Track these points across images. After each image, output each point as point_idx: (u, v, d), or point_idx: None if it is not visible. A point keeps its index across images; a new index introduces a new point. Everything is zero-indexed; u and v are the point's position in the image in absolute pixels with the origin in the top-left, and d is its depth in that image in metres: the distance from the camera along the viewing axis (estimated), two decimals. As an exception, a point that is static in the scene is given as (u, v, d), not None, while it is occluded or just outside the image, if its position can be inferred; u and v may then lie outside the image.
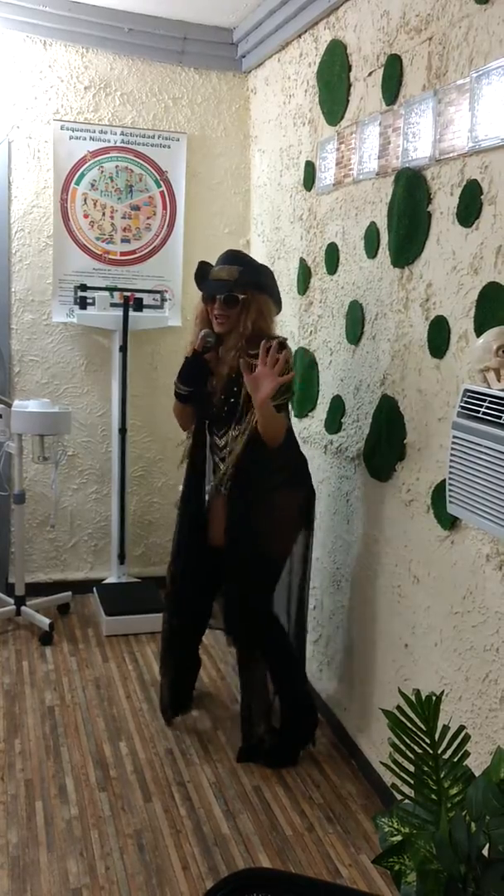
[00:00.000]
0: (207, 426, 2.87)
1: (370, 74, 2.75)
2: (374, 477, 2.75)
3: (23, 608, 3.80)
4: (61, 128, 3.92)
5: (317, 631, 3.29)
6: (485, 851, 1.31)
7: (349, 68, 2.91)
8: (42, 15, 3.75)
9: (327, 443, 3.16)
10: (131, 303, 3.94)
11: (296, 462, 2.86)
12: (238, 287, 2.70)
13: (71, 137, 3.94)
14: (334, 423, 3.07)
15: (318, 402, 3.25)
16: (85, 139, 3.97)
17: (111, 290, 4.01)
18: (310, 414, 3.34)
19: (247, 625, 2.86)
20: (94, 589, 4.11)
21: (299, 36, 3.42)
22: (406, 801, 1.48)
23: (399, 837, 1.43)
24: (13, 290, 4.00)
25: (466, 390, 2.03)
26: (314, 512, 2.90)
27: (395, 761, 1.46)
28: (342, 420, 3.02)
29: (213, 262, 2.83)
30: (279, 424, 2.68)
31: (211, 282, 2.76)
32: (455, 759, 1.45)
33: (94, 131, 3.97)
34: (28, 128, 3.91)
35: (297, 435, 3.42)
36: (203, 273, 2.82)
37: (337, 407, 3.05)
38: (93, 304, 3.95)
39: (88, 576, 4.27)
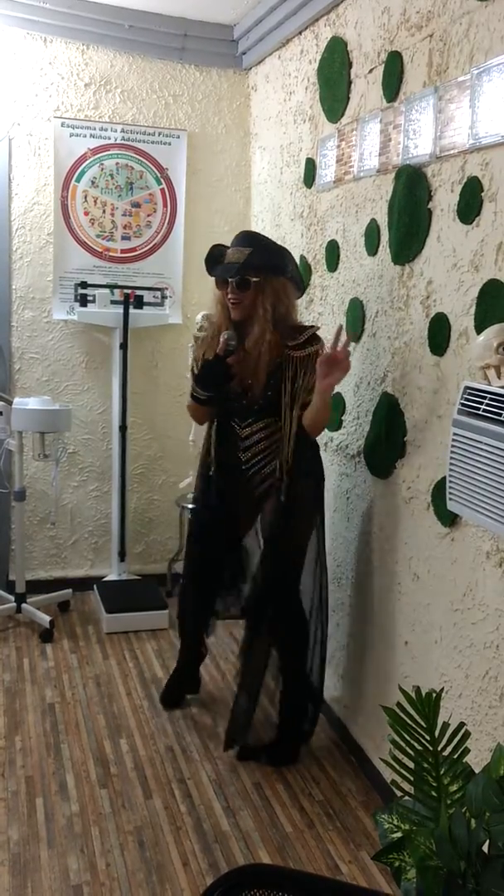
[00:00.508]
0: (231, 418, 2.81)
1: (371, 71, 2.74)
2: (375, 474, 2.75)
3: (23, 605, 3.81)
4: (62, 125, 3.92)
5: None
6: (485, 848, 1.32)
7: (350, 65, 2.90)
8: (42, 12, 3.75)
9: (328, 440, 3.16)
10: (132, 300, 3.94)
11: (313, 449, 2.82)
12: (249, 269, 2.60)
13: (71, 135, 3.94)
14: (335, 420, 3.07)
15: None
16: (85, 136, 3.96)
17: (111, 287, 4.01)
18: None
19: (272, 612, 2.81)
20: (95, 586, 4.11)
21: (300, 33, 3.41)
22: (406, 797, 1.48)
23: (399, 834, 1.43)
24: (14, 287, 4.00)
25: (467, 387, 2.03)
26: (324, 497, 2.91)
27: (395, 758, 1.46)
28: (343, 418, 3.02)
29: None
30: (330, 412, 2.68)
31: (221, 265, 2.69)
32: (455, 756, 1.45)
33: (95, 128, 3.97)
34: (28, 125, 3.91)
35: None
36: (214, 257, 2.74)
37: (337, 405, 3.05)
38: (93, 301, 3.95)
39: (89, 573, 4.27)
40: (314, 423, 2.66)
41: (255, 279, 2.62)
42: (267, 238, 2.84)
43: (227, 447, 2.84)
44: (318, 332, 2.72)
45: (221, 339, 2.70)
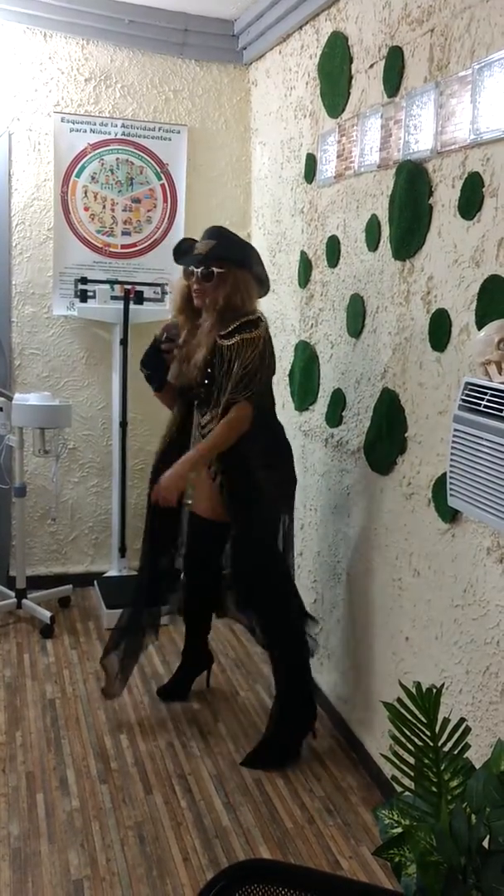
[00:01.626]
0: (195, 406, 2.89)
1: (371, 66, 2.74)
2: (375, 470, 2.75)
3: (24, 601, 3.81)
4: (62, 120, 3.91)
5: (317, 624, 3.29)
6: (485, 844, 1.32)
7: (350, 60, 2.90)
8: (42, 6, 3.74)
9: (328, 436, 3.16)
10: (132, 296, 3.93)
11: (275, 447, 2.88)
12: (213, 260, 2.68)
13: (71, 130, 3.93)
14: (335, 416, 3.07)
15: (319, 395, 3.25)
16: (85, 131, 3.96)
17: (112, 283, 4.00)
18: (311, 407, 3.33)
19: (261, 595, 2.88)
20: (95, 582, 4.11)
21: (300, 28, 3.40)
22: (406, 793, 1.48)
23: (399, 829, 1.43)
24: (14, 283, 4.00)
25: (468, 383, 2.02)
26: (294, 499, 2.95)
27: (395, 753, 1.46)
28: (343, 413, 3.02)
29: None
30: (228, 436, 2.69)
31: (189, 256, 2.76)
32: (455, 752, 1.45)
33: (95, 123, 3.96)
34: (28, 120, 3.90)
35: (297, 428, 3.44)
36: (183, 249, 2.82)
37: (338, 400, 3.05)
38: (93, 297, 3.95)
39: (89, 569, 4.27)
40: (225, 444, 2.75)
41: (219, 270, 2.68)
42: (233, 233, 2.89)
43: (187, 435, 2.93)
44: (263, 321, 2.72)
45: (163, 326, 2.84)
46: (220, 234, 2.79)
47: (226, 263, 2.68)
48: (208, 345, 2.70)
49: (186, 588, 3.15)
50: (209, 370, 2.71)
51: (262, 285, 2.84)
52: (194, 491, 2.85)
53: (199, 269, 2.69)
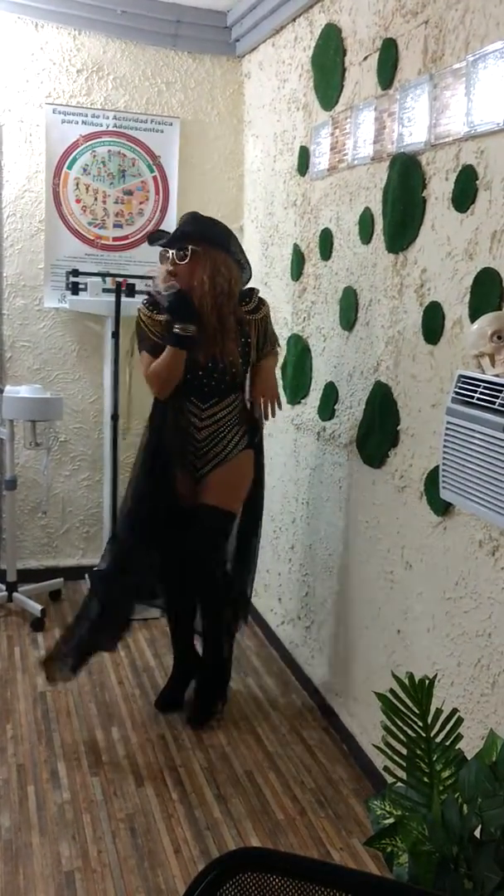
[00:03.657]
0: (191, 398, 2.83)
1: (365, 59, 2.73)
2: (367, 463, 2.75)
3: (14, 594, 3.80)
4: (53, 111, 3.89)
5: (309, 617, 3.30)
6: (477, 833, 1.32)
7: (344, 52, 2.89)
8: (34, -4, 3.72)
9: (320, 429, 3.16)
10: (123, 288, 3.92)
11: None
12: (185, 239, 2.70)
13: (63, 121, 3.91)
14: (327, 409, 3.07)
15: (312, 388, 3.25)
16: (77, 123, 3.93)
17: (103, 275, 3.98)
18: (303, 401, 3.33)
19: (208, 579, 2.97)
20: (86, 575, 4.10)
21: (294, 19, 3.39)
22: (398, 783, 1.48)
23: (391, 820, 1.44)
24: (4, 275, 3.98)
25: (461, 376, 2.02)
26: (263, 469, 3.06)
27: (387, 744, 1.47)
28: (335, 407, 3.02)
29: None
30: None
31: (161, 240, 2.79)
32: (448, 743, 1.46)
33: (87, 115, 3.94)
34: (20, 111, 3.87)
35: (290, 422, 3.44)
36: (155, 237, 2.85)
37: (330, 393, 3.05)
38: (85, 289, 3.93)
39: (80, 562, 4.27)
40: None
41: (194, 248, 2.69)
42: (211, 218, 2.88)
43: (180, 430, 2.85)
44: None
45: (161, 296, 2.75)
46: (193, 218, 2.82)
47: (200, 242, 2.70)
48: (232, 328, 2.76)
49: (176, 585, 3.02)
50: (240, 350, 2.81)
51: (243, 270, 2.85)
52: (204, 482, 2.89)
53: (173, 251, 2.71)
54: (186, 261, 2.70)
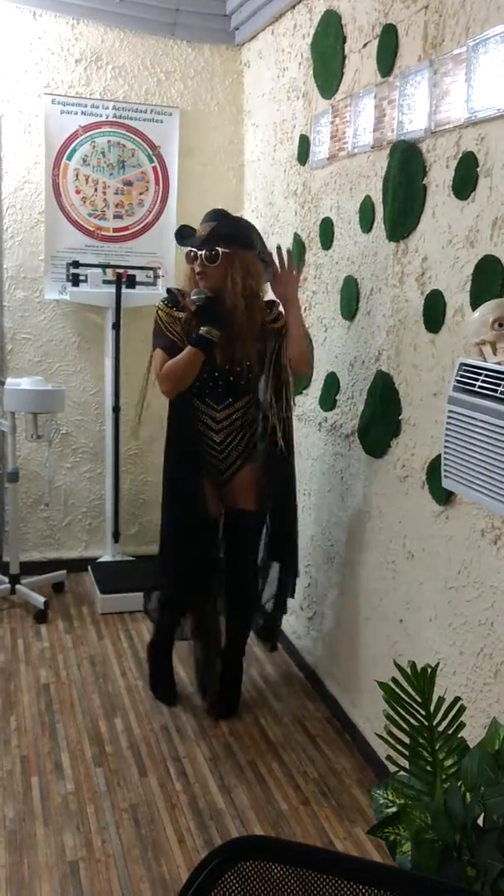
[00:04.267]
0: (204, 401, 2.80)
1: (365, 45, 2.71)
2: (369, 453, 2.74)
3: (18, 587, 3.80)
4: (52, 102, 3.87)
5: (311, 608, 3.30)
6: (480, 822, 1.32)
7: (344, 40, 2.87)
8: (31, -15, 3.70)
9: (322, 420, 3.15)
10: (124, 279, 3.91)
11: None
12: (217, 241, 2.64)
13: (62, 112, 3.89)
14: (329, 400, 3.06)
15: (313, 378, 3.24)
16: (76, 113, 3.92)
17: (104, 266, 3.97)
18: (304, 391, 3.32)
19: (249, 588, 2.99)
20: (89, 567, 4.11)
21: (293, 7, 3.37)
22: (401, 772, 1.48)
23: (394, 809, 1.44)
24: (5, 267, 3.97)
25: (462, 364, 2.01)
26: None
27: (390, 733, 1.47)
28: (337, 397, 3.01)
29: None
30: (306, 353, 2.84)
31: (191, 238, 2.71)
32: (450, 731, 1.46)
33: (86, 105, 3.92)
34: (18, 101, 3.86)
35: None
36: (184, 233, 2.77)
37: (331, 384, 3.04)
38: (85, 281, 3.92)
39: (83, 554, 4.27)
40: (300, 355, 2.80)
41: (224, 250, 2.64)
42: (237, 217, 2.86)
43: (195, 431, 2.83)
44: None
45: (191, 301, 2.70)
46: (222, 216, 2.75)
47: (229, 243, 2.64)
48: (255, 330, 2.72)
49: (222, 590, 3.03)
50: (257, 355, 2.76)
51: (266, 268, 2.78)
52: (230, 486, 2.89)
53: (203, 252, 2.65)
54: (217, 263, 2.65)
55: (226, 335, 2.69)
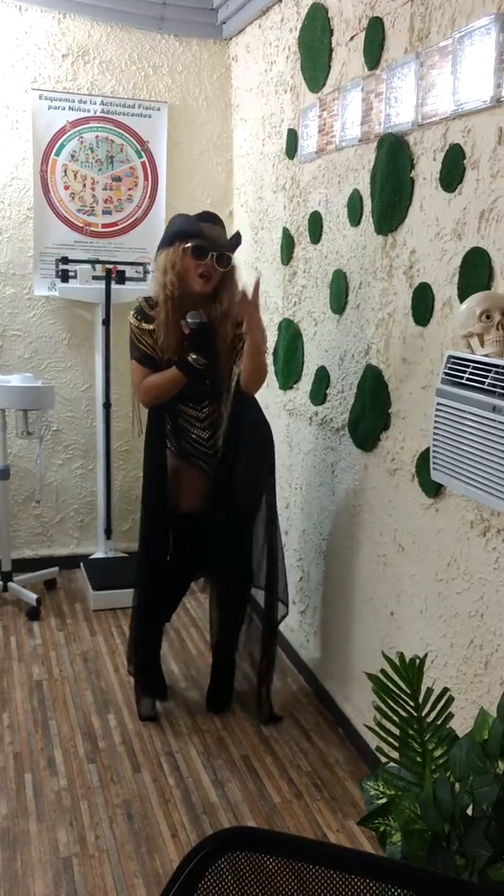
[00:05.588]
0: (184, 402, 2.80)
1: (352, 39, 2.70)
2: (359, 447, 2.74)
3: (9, 584, 3.80)
4: (40, 97, 3.85)
5: (303, 602, 3.31)
6: (468, 812, 1.33)
7: (331, 33, 2.86)
8: (17, -20, 3.68)
9: (312, 414, 3.15)
10: (114, 275, 3.91)
11: (258, 407, 2.89)
12: (231, 249, 2.67)
13: (50, 107, 3.88)
14: (319, 394, 3.06)
15: (303, 373, 3.24)
16: (64, 109, 3.90)
17: (93, 262, 3.97)
18: (294, 386, 3.32)
19: (240, 569, 2.98)
20: (81, 564, 4.11)
21: (280, 0, 3.36)
22: (391, 763, 1.49)
23: (384, 800, 1.44)
24: (-7, 263, 3.95)
25: (450, 356, 2.02)
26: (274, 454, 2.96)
27: (379, 724, 1.47)
28: (327, 391, 3.01)
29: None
30: (263, 367, 2.69)
31: (207, 238, 2.62)
32: (439, 722, 1.46)
33: (74, 101, 3.91)
34: (5, 97, 3.84)
35: (282, 407, 3.43)
36: (190, 229, 2.64)
37: (322, 378, 3.04)
38: (75, 277, 3.91)
39: (75, 551, 4.26)
40: (248, 377, 2.67)
41: (231, 261, 2.68)
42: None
43: (182, 432, 2.84)
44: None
45: (187, 322, 2.67)
46: (221, 222, 2.75)
47: (231, 255, 2.69)
48: (231, 347, 2.72)
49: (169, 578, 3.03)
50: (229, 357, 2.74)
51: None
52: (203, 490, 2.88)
53: (215, 254, 2.62)
54: (226, 269, 2.65)
55: (211, 357, 2.71)
